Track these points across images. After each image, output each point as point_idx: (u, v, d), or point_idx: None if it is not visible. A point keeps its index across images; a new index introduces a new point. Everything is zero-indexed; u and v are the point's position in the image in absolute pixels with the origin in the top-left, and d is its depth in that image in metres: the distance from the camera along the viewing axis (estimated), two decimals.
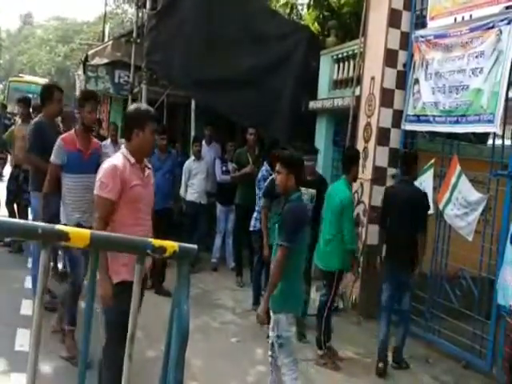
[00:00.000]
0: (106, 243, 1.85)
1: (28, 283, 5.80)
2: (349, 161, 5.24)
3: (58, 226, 1.84)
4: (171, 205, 6.83)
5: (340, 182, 5.23)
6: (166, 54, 8.55)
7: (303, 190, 6.04)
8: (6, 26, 61.83)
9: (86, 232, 1.82)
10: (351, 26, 9.79)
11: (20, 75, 29.36)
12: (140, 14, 9.96)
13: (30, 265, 6.13)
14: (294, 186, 3.74)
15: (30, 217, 7.39)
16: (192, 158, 7.89)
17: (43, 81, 27.11)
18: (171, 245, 1.80)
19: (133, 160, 3.19)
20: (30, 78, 27.47)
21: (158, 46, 8.63)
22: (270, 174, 5.72)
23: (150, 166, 3.40)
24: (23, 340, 4.42)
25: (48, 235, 1.83)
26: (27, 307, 5.23)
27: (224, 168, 7.89)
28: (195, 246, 1.83)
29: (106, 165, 3.18)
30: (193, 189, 7.69)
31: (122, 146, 3.33)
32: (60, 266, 6.13)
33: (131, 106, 3.54)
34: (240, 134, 8.99)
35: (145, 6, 9.15)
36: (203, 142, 8.27)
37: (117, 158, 3.21)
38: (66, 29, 51.45)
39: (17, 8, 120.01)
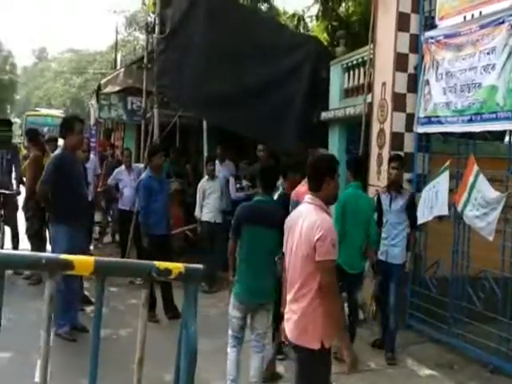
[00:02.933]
0: (111, 269, 1.84)
1: None
2: (361, 166, 5.50)
3: (62, 256, 1.84)
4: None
5: (357, 188, 5.23)
6: (175, 77, 8.60)
7: None
8: (22, 62, 63.52)
9: (90, 259, 1.82)
10: (360, 33, 9.78)
11: (36, 109, 30.00)
12: (150, 40, 10.07)
13: None
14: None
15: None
16: (206, 177, 7.87)
17: (59, 113, 27.68)
18: (176, 266, 1.78)
19: (329, 211, 3.11)
20: (45, 111, 28.06)
21: (167, 69, 8.70)
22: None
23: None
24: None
25: (53, 265, 1.83)
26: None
27: (238, 185, 7.93)
28: (201, 266, 1.80)
29: (325, 223, 2.95)
30: (207, 208, 7.64)
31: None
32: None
33: (318, 156, 3.28)
34: (253, 150, 9.00)
35: (154, 32, 9.26)
36: (217, 161, 8.29)
37: (320, 213, 2.99)
38: (80, 60, 52.53)
39: (31, 44, 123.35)
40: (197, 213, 7.74)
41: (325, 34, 11.40)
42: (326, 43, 10.42)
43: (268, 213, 4.27)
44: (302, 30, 13.05)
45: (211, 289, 7.32)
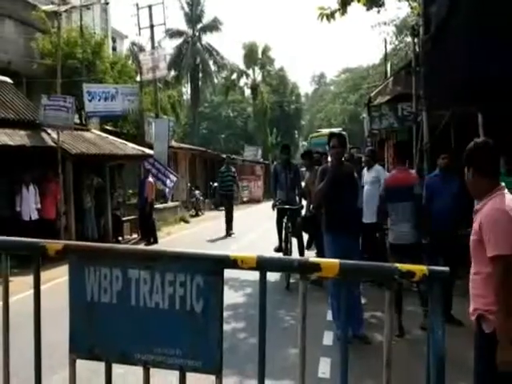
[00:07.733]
0: (355, 271, 1.88)
1: (329, 316, 6.22)
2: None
3: (311, 259, 1.96)
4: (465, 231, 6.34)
5: None
6: (445, 76, 8.17)
7: None
8: (304, 90, 69.84)
9: (335, 262, 1.87)
10: None
11: (318, 130, 32.28)
12: (416, 41, 9.91)
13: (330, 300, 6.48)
14: None
15: None
16: None
17: (337, 131, 29.22)
18: (420, 269, 1.71)
19: None
20: (325, 131, 29.92)
21: (436, 69, 8.32)
22: None
23: None
24: (325, 368, 4.75)
25: (303, 267, 1.96)
26: (329, 338, 5.63)
27: None
28: (446, 269, 1.66)
29: None
30: None
31: None
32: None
33: None
34: None
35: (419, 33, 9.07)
36: None
37: None
38: (354, 78, 54.69)
39: (310, 71, 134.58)
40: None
41: None
42: None
43: None
44: None
45: None
